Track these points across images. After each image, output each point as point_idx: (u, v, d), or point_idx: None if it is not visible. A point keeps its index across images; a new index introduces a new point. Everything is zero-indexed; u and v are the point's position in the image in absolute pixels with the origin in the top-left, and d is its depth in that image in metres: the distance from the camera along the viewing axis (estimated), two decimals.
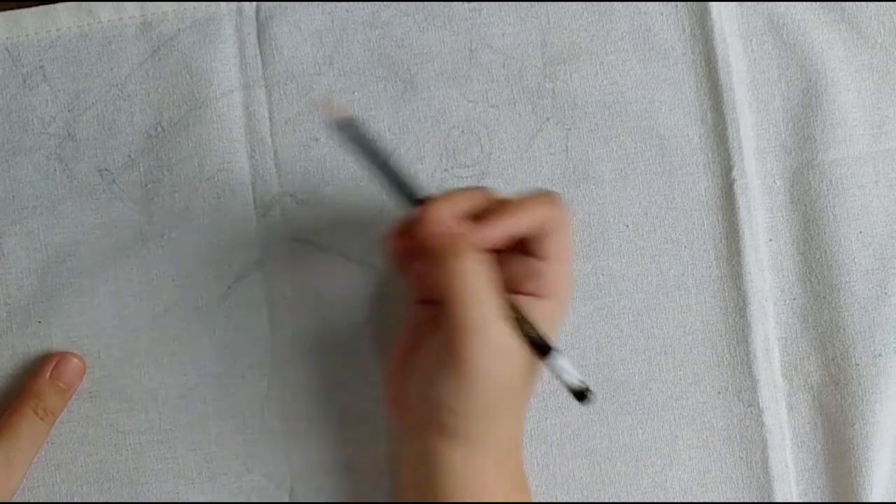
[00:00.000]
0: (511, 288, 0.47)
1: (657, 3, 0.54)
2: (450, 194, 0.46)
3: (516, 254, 0.47)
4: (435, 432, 0.47)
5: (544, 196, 0.46)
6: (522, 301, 0.46)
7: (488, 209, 0.46)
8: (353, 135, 0.46)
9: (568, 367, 0.46)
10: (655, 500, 0.54)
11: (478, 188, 0.47)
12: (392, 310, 0.54)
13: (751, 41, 0.54)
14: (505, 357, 0.45)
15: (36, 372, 0.53)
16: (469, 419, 0.46)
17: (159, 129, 0.54)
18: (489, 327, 0.44)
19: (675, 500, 0.54)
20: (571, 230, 0.47)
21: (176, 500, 0.54)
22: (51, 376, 0.53)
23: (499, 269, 0.46)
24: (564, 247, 0.47)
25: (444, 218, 0.45)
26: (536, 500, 0.53)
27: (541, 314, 0.47)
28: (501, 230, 0.45)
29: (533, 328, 0.46)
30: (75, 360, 0.53)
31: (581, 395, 0.46)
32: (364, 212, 0.54)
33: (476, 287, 0.44)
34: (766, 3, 0.54)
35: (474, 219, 0.45)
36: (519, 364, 0.46)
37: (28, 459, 0.52)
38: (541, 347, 0.46)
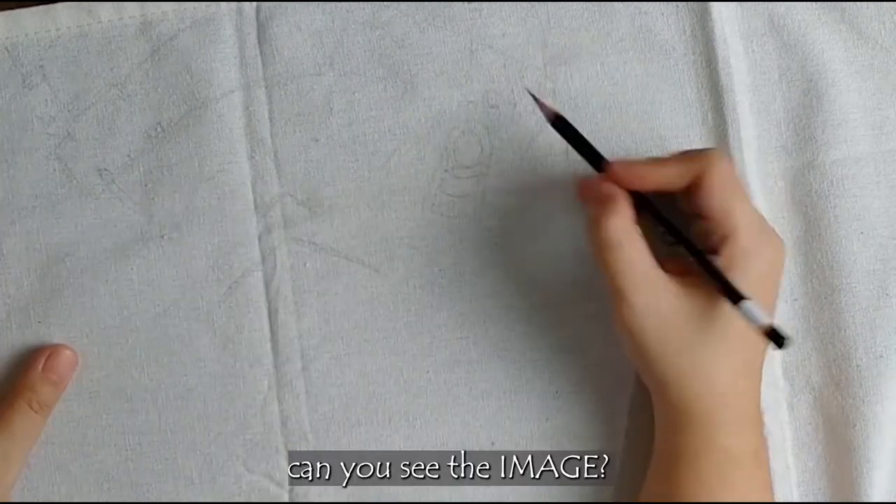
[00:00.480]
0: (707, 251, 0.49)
1: (657, 3, 0.54)
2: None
3: (700, 220, 0.49)
4: None
5: (695, 151, 0.49)
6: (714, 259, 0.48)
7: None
8: (564, 127, 0.50)
9: (757, 311, 0.46)
10: None
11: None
12: (392, 310, 0.54)
13: (751, 42, 0.54)
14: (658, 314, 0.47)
15: (28, 365, 0.53)
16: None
17: (159, 129, 0.54)
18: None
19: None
20: (730, 178, 0.48)
21: (176, 501, 0.54)
22: (43, 369, 0.53)
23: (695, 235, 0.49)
24: (718, 197, 0.48)
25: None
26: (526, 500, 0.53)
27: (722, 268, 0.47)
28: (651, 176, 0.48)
29: (720, 278, 0.47)
30: (67, 352, 0.53)
31: (777, 338, 0.45)
32: (364, 212, 0.54)
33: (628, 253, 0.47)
34: (766, 3, 0.54)
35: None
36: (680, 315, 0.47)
37: (24, 453, 0.52)
38: (731, 295, 0.47)
